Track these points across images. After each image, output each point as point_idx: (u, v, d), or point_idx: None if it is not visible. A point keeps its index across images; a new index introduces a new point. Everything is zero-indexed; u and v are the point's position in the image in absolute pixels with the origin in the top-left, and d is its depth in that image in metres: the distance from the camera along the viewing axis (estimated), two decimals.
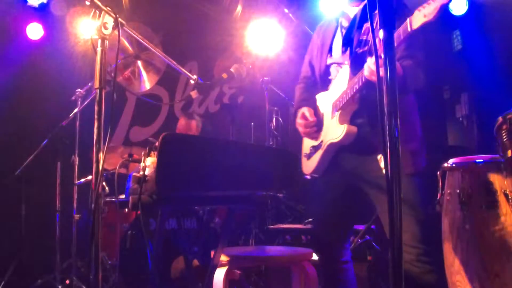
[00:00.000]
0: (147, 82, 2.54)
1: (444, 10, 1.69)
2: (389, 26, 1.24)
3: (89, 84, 3.98)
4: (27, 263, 4.13)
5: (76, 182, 3.95)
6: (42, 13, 4.82)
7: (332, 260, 2.34)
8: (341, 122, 2.18)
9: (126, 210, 3.66)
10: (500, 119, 1.76)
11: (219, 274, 2.36)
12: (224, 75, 2.21)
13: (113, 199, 3.40)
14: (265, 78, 4.29)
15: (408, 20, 1.78)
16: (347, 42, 2.25)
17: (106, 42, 1.68)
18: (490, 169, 1.80)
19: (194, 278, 3.17)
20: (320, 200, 2.40)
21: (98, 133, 1.62)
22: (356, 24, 2.21)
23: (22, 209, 4.12)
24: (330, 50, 2.35)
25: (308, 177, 2.44)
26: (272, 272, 3.38)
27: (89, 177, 3.82)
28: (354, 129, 2.16)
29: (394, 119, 1.18)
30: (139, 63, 2.49)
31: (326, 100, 2.34)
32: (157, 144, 1.59)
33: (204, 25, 5.61)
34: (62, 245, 3.91)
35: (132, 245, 3.39)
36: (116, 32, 1.70)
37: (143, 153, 1.70)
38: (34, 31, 4.85)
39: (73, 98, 4.02)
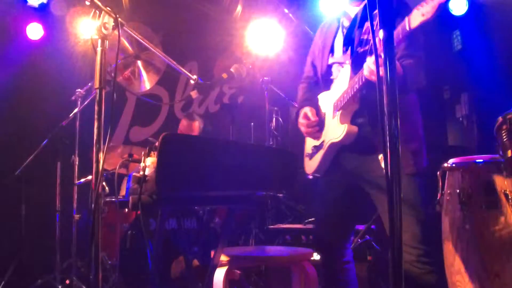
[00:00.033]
0: (147, 82, 2.54)
1: (442, 9, 1.69)
2: (389, 25, 1.23)
3: (89, 84, 3.98)
4: (27, 263, 4.12)
5: (76, 182, 3.95)
6: (42, 13, 4.82)
7: (333, 260, 2.34)
8: (342, 121, 2.18)
9: (126, 210, 3.66)
10: (500, 119, 1.76)
11: (219, 274, 2.36)
12: (224, 75, 2.21)
13: (113, 199, 3.41)
14: (265, 78, 4.29)
15: (406, 19, 1.78)
16: (348, 41, 2.25)
17: (106, 42, 1.68)
18: (490, 169, 1.80)
19: (194, 278, 3.17)
20: (321, 200, 2.41)
21: (98, 133, 1.62)
22: (357, 24, 2.21)
23: (22, 209, 4.12)
24: (331, 50, 2.35)
25: (310, 177, 2.45)
26: (272, 272, 3.38)
27: (89, 177, 3.82)
28: (354, 129, 2.16)
29: (394, 119, 1.18)
30: (139, 63, 2.49)
31: (327, 100, 2.34)
32: (157, 144, 1.59)
33: (204, 25, 5.61)
34: (62, 245, 3.91)
35: (132, 245, 3.39)
36: (116, 32, 1.70)
37: (143, 153, 1.70)
38: (34, 31, 4.85)
39: (73, 98, 4.02)
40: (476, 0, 4.82)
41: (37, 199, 4.28)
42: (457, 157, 1.95)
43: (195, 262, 3.28)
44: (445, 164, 1.96)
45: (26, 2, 4.71)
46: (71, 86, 4.12)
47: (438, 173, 1.97)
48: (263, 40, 4.88)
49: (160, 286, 2.40)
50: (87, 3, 1.67)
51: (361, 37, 2.16)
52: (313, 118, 2.34)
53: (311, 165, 2.40)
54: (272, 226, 3.98)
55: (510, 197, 1.72)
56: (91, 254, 1.54)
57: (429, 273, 1.97)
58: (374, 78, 1.90)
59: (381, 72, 1.23)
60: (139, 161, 1.71)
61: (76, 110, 3.95)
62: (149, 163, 1.67)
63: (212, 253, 2.23)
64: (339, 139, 2.16)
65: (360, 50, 2.15)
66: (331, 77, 2.35)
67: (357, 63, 2.13)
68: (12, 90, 4.64)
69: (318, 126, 2.35)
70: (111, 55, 1.68)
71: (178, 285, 3.28)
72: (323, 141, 2.31)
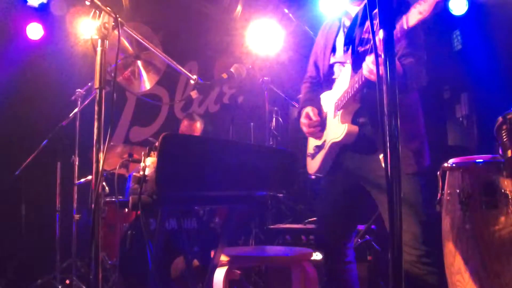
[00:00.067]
0: (147, 82, 2.54)
1: (441, 8, 1.69)
2: (389, 25, 1.23)
3: (89, 84, 3.99)
4: (27, 263, 4.13)
5: (76, 182, 3.95)
6: (42, 13, 4.81)
7: (335, 260, 2.33)
8: (343, 121, 2.18)
9: (126, 210, 3.67)
10: (500, 119, 1.76)
11: (219, 274, 2.36)
12: (224, 75, 2.21)
13: (113, 199, 3.41)
14: (265, 78, 4.28)
15: (404, 17, 1.78)
16: (349, 40, 2.25)
17: (106, 42, 1.68)
18: (490, 169, 1.80)
19: (194, 278, 3.17)
20: (323, 199, 2.41)
21: (98, 133, 1.62)
22: (358, 23, 2.21)
23: (22, 209, 4.13)
24: (333, 50, 2.35)
25: (313, 176, 2.45)
26: (272, 272, 3.38)
27: (89, 177, 3.82)
28: (355, 128, 2.16)
29: (394, 119, 1.18)
30: (139, 63, 2.49)
31: (329, 100, 2.34)
32: (157, 144, 1.59)
33: (204, 25, 5.61)
34: (62, 245, 3.91)
35: (132, 245, 3.39)
36: (116, 32, 1.70)
37: (143, 153, 1.70)
38: (34, 31, 4.85)
39: (73, 98, 4.02)
40: (476, 0, 4.82)
41: (37, 199, 4.28)
42: (457, 157, 1.95)
43: (195, 262, 3.27)
44: (445, 164, 1.95)
45: (26, 2, 4.70)
46: (71, 86, 4.13)
47: (438, 173, 1.97)
48: (263, 40, 4.88)
49: (160, 286, 2.40)
50: (87, 3, 1.67)
51: (362, 36, 2.16)
52: (314, 118, 2.35)
53: (313, 165, 2.40)
54: (272, 226, 3.98)
55: (510, 197, 1.72)
56: (91, 254, 1.54)
57: (430, 274, 1.97)
58: (373, 77, 1.90)
59: (381, 71, 1.23)
60: (139, 161, 1.71)
61: (76, 110, 3.95)
62: (149, 163, 1.66)
63: (212, 253, 2.23)
64: (340, 139, 2.16)
65: (361, 49, 2.15)
66: (333, 77, 2.35)
67: (357, 63, 2.13)
68: (12, 90, 4.64)
69: (320, 126, 2.35)
70: (111, 55, 1.68)
71: (178, 285, 3.28)
72: (324, 141, 2.31)
